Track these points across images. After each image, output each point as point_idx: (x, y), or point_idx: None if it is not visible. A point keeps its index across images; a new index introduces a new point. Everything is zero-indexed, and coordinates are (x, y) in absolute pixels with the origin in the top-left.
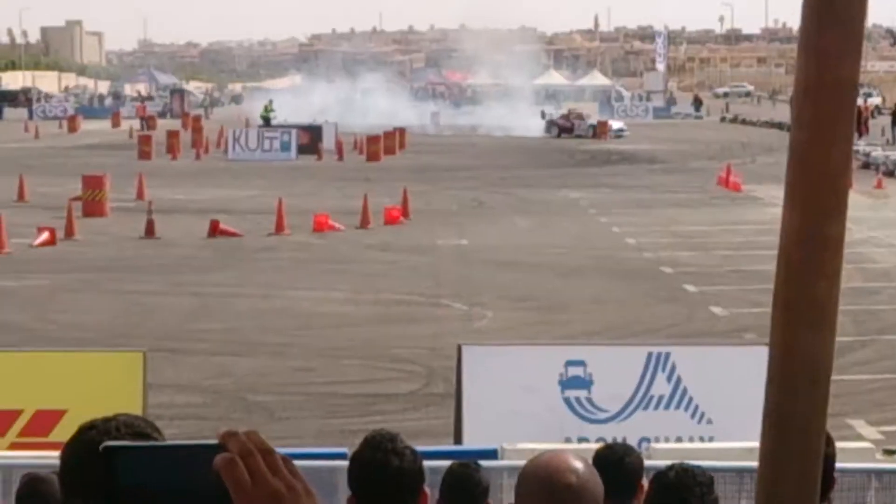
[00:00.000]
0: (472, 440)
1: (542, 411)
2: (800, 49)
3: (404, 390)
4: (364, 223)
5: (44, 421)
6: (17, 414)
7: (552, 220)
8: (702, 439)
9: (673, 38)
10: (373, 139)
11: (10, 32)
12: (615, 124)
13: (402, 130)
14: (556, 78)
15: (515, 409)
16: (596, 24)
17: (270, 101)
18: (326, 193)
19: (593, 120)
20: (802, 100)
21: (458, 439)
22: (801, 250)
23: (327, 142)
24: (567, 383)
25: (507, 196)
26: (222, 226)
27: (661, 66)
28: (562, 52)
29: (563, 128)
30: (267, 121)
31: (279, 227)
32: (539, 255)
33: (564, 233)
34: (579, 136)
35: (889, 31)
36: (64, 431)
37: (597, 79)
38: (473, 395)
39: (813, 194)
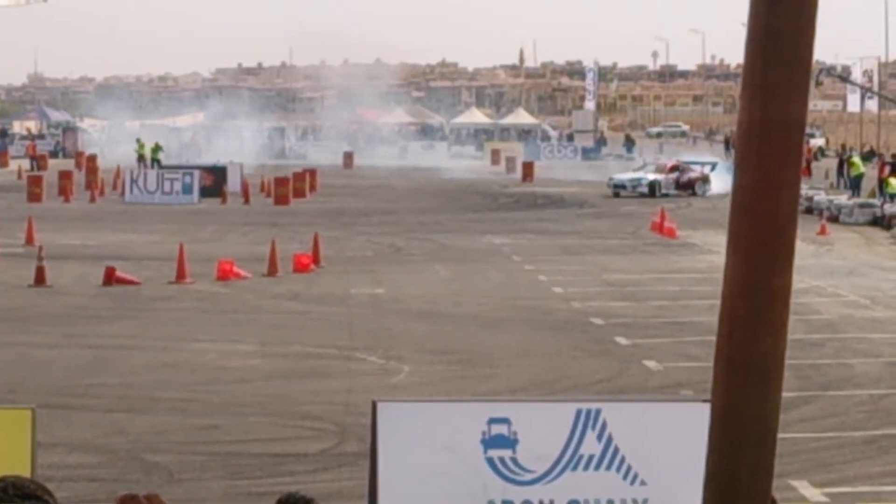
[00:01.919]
0: (388, 503)
1: (463, 472)
2: (743, 87)
3: (315, 449)
4: (272, 271)
5: None
6: None
7: (474, 268)
8: (635, 502)
9: (603, 74)
10: (281, 181)
11: None
12: None
13: (312, 171)
14: (479, 116)
15: (435, 470)
16: (521, 60)
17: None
18: (231, 239)
19: None
20: (746, 141)
21: (372, 502)
22: (745, 302)
23: (232, 184)
24: (490, 442)
25: (425, 242)
26: (119, 273)
27: (590, 104)
28: (484, 88)
29: None
30: (155, 161)
31: (180, 275)
32: (460, 305)
33: (487, 281)
34: None
35: (831, 69)
36: None
37: (522, 117)
38: (390, 455)
39: (758, 242)
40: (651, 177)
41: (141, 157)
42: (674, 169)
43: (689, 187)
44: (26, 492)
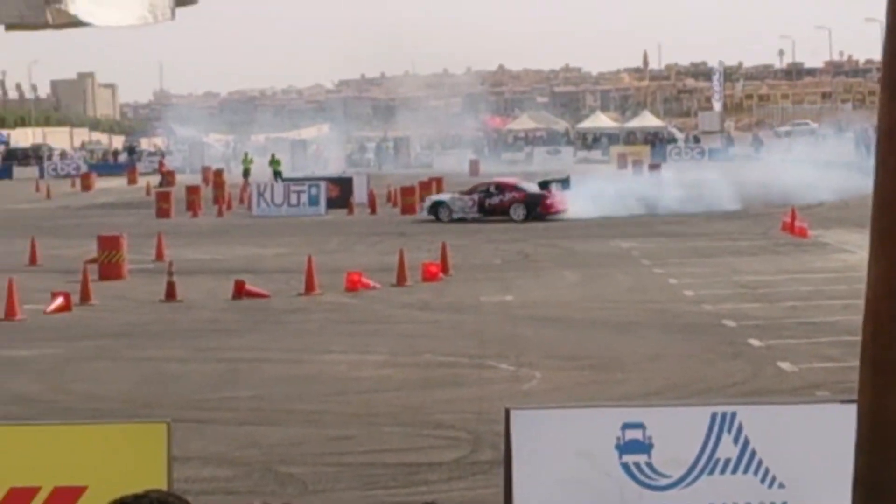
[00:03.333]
0: None
1: (598, 478)
2: (883, 86)
3: (449, 458)
4: (401, 280)
5: (63, 498)
6: (34, 491)
7: (603, 273)
8: None
9: (729, 74)
10: (408, 190)
11: (18, 87)
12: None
13: (438, 180)
14: (604, 120)
15: (570, 476)
16: (645, 62)
17: (273, 156)
18: (359, 250)
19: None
20: (887, 141)
21: None
22: (890, 303)
23: (359, 195)
24: (625, 448)
25: (553, 248)
26: (248, 286)
27: (716, 105)
28: (609, 92)
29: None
30: (277, 174)
31: (309, 287)
32: (590, 310)
33: (616, 286)
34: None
35: None
36: None
37: (648, 120)
38: (524, 463)
39: None
40: (436, 197)
41: (246, 172)
42: (476, 189)
43: (499, 211)
44: None
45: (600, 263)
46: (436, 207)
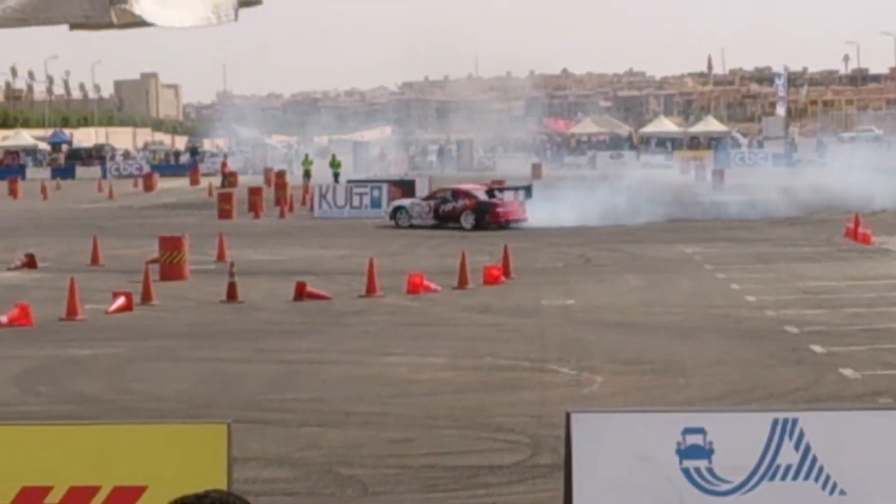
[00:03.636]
0: None
1: (658, 483)
2: None
3: (509, 461)
4: (462, 283)
5: (123, 498)
6: (94, 490)
7: (665, 278)
8: None
9: (793, 79)
10: None
11: (82, 87)
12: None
13: (501, 183)
14: (668, 125)
15: (630, 480)
16: (709, 67)
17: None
18: (421, 252)
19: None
20: None
21: None
22: None
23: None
24: (685, 452)
25: (615, 252)
26: (309, 288)
27: (780, 110)
28: (672, 97)
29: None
30: (336, 176)
31: (371, 289)
32: (652, 314)
33: (679, 291)
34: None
35: None
36: None
37: (711, 125)
38: (584, 467)
39: None
40: (397, 202)
41: (307, 173)
42: (434, 195)
43: (452, 218)
44: None
45: (663, 268)
46: (395, 212)
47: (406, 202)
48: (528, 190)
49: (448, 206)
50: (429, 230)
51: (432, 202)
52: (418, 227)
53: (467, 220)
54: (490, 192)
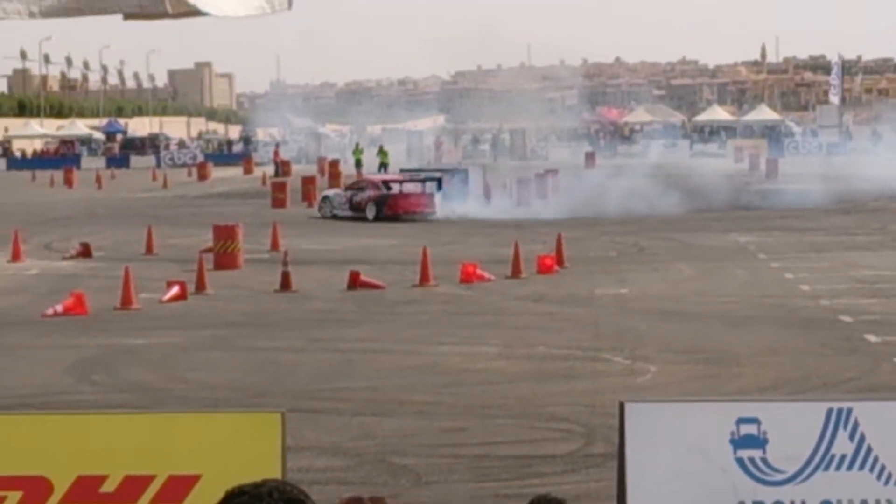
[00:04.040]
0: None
1: (712, 473)
2: None
3: (562, 451)
4: (515, 272)
5: (177, 487)
6: (149, 479)
7: (718, 267)
8: (889, 503)
9: (848, 68)
10: (523, 182)
11: (136, 77)
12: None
13: (554, 172)
14: (721, 113)
15: (684, 470)
16: (763, 55)
17: (380, 147)
18: (474, 241)
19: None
20: None
21: (621, 502)
22: None
23: (474, 186)
24: (739, 442)
25: (669, 241)
26: (363, 277)
27: (835, 99)
28: (726, 85)
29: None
30: (383, 166)
31: (424, 278)
32: (705, 303)
33: (732, 279)
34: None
35: None
36: (200, 497)
37: (765, 113)
38: (638, 456)
39: None
40: (325, 192)
41: (358, 163)
42: (352, 186)
43: (360, 208)
44: (290, 496)
45: (716, 257)
46: (322, 202)
47: (331, 192)
48: (438, 182)
49: (358, 197)
50: (341, 221)
51: (349, 193)
52: (340, 217)
53: (370, 211)
54: (386, 184)
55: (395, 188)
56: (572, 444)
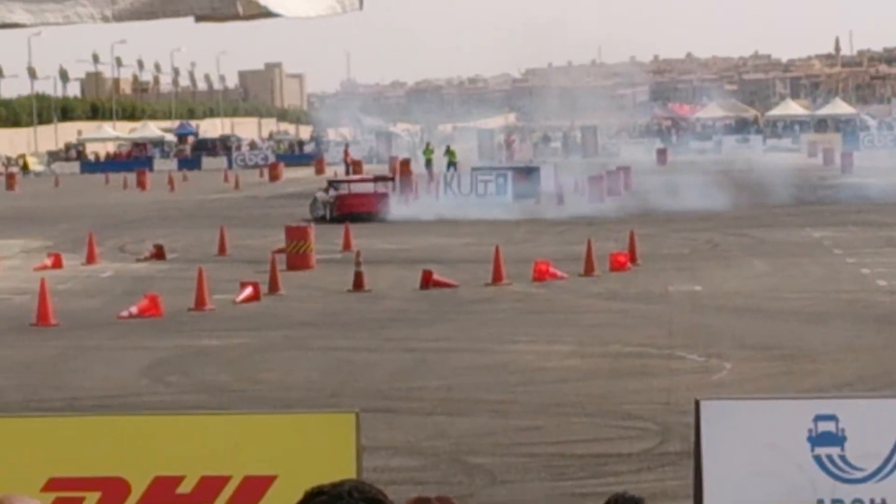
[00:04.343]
0: (714, 502)
1: (790, 471)
2: None
3: (638, 449)
4: (588, 270)
5: (253, 487)
6: (225, 480)
7: (793, 262)
8: None
9: None
10: (595, 180)
11: (207, 78)
12: None
13: (626, 169)
14: (794, 108)
15: (761, 468)
16: (837, 48)
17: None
18: (546, 239)
19: None
20: None
21: (698, 501)
22: None
23: (546, 184)
24: (817, 440)
25: (742, 237)
26: (436, 276)
27: None
28: (799, 79)
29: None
30: (451, 165)
31: (497, 277)
32: (780, 300)
33: (807, 275)
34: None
35: None
36: (275, 498)
37: (839, 107)
38: (714, 454)
39: None
40: (316, 193)
41: (429, 162)
42: (328, 186)
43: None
44: (369, 496)
45: (791, 253)
46: (311, 203)
47: (319, 193)
48: (393, 182)
49: (325, 198)
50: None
51: (328, 194)
52: (319, 218)
53: (327, 212)
54: (334, 184)
55: (344, 189)
56: (647, 442)
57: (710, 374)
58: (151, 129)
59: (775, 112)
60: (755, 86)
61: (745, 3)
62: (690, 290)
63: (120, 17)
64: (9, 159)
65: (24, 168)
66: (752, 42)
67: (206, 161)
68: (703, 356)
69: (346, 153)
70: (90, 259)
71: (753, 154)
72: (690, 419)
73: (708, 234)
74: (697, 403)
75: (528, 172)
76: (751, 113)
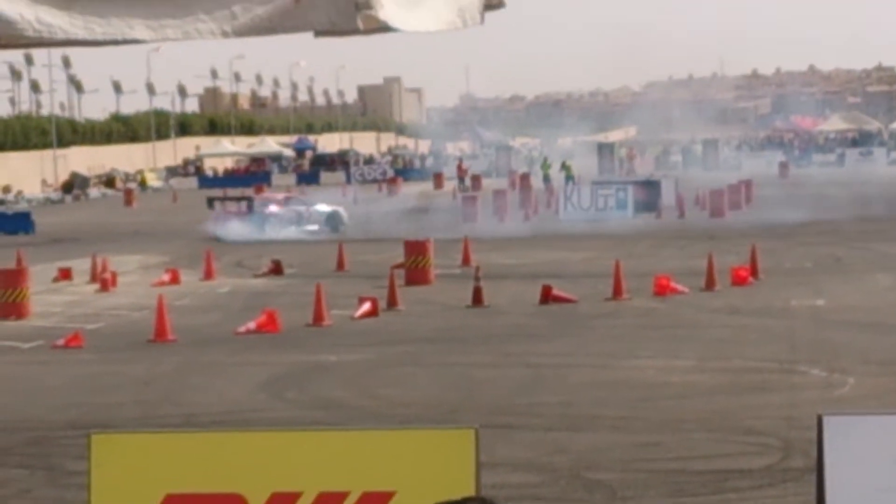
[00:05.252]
0: None
1: None
2: None
3: (759, 465)
4: (709, 285)
5: (372, 503)
6: (343, 496)
7: None
8: None
9: None
10: (716, 193)
11: (326, 93)
12: None
13: (748, 182)
14: None
15: (886, 485)
16: None
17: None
18: (667, 253)
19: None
20: None
21: None
22: None
23: (667, 198)
24: None
25: (866, 251)
26: (555, 291)
27: None
28: None
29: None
30: (569, 179)
31: (617, 292)
32: None
33: None
34: None
35: None
36: None
37: None
38: (837, 470)
39: None
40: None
41: (546, 177)
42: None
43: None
44: None
45: None
46: None
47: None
48: (249, 201)
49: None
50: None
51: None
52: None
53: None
54: (211, 201)
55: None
56: (769, 458)
57: (832, 390)
58: (269, 144)
59: None
60: (879, 98)
61: (868, 15)
62: (813, 305)
63: (240, 33)
64: (127, 175)
65: (142, 184)
66: (875, 54)
67: (325, 175)
68: (825, 371)
69: (458, 167)
70: (208, 275)
71: (877, 167)
72: (813, 435)
73: (830, 247)
74: (820, 419)
75: (648, 186)
76: (874, 125)
